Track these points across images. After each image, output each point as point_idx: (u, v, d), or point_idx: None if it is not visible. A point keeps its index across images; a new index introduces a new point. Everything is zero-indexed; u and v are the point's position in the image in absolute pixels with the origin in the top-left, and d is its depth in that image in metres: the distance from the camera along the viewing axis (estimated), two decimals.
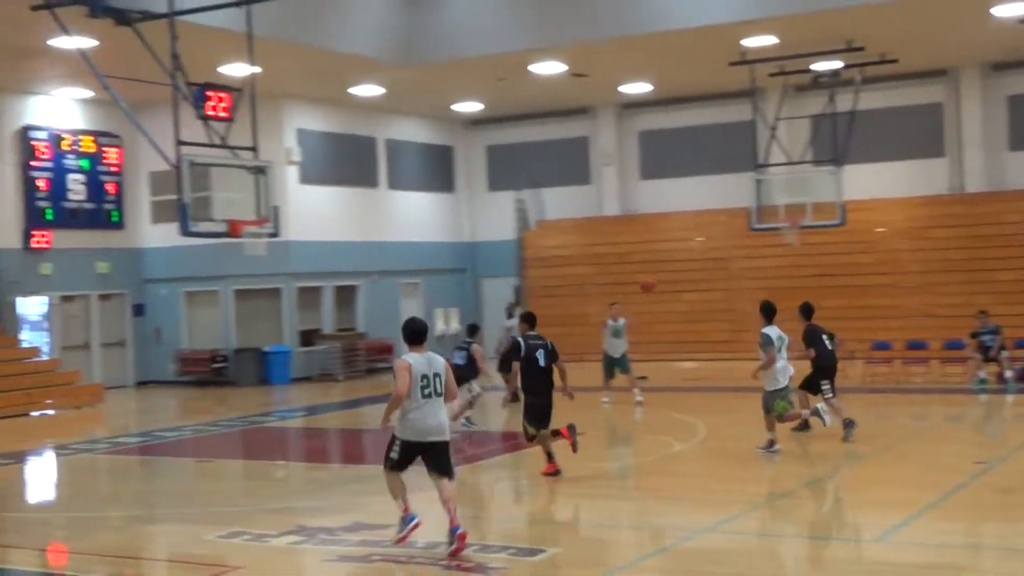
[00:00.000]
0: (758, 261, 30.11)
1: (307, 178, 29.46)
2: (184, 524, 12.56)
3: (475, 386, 18.10)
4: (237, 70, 22.27)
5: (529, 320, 14.46)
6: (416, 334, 10.55)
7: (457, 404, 15.14)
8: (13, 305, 27.07)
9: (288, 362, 29.05)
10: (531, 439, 14.16)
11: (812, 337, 16.36)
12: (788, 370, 15.35)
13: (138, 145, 27.20)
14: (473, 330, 18.93)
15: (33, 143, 27.22)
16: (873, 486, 12.97)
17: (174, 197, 17.07)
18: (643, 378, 22.56)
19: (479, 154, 35.17)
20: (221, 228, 17.32)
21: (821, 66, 26.21)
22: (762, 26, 23.28)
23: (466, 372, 17.77)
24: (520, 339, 14.08)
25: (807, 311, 16.59)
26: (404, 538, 10.47)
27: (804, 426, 16.39)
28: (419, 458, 10.57)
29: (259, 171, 17.74)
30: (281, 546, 10.96)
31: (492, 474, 14.99)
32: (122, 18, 18.53)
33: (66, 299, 28.37)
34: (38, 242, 27.26)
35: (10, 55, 22.97)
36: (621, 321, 21.50)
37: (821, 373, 16.39)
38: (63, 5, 18.23)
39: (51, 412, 24.10)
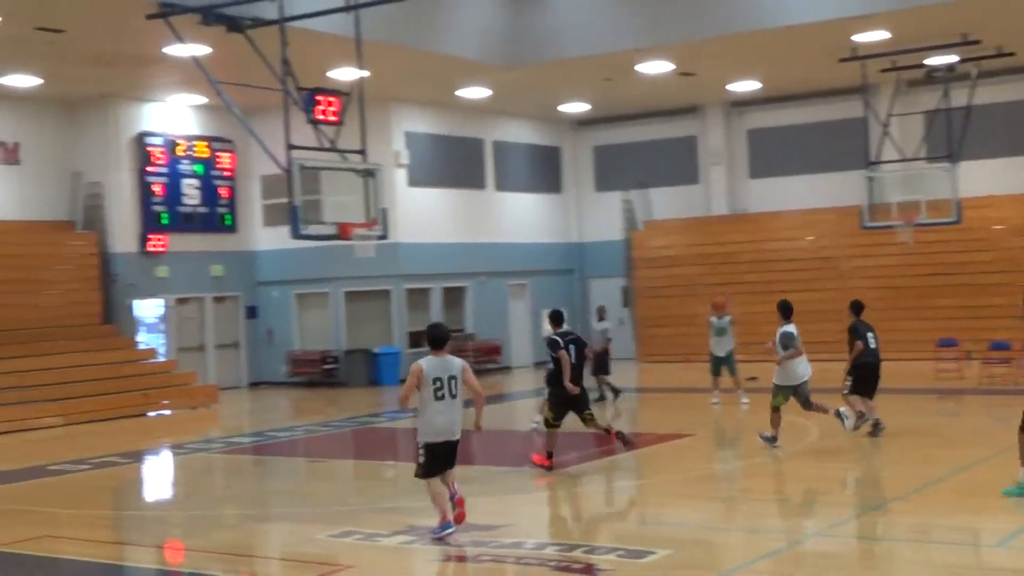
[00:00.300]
0: (870, 260, 29.61)
1: (415, 180, 29.67)
2: (296, 523, 12.72)
3: None
4: (346, 74, 22.52)
5: (556, 318, 15.40)
6: (436, 340, 11.18)
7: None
8: (130, 307, 27.73)
9: (398, 363, 29.24)
10: (548, 425, 14.88)
11: (858, 333, 16.38)
12: (806, 369, 15.60)
13: (250, 149, 27.69)
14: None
15: (149, 149, 27.83)
16: (991, 490, 12.65)
17: (285, 200, 17.33)
18: (753, 379, 22.29)
19: (586, 155, 35.09)
20: (331, 231, 17.53)
21: (935, 61, 25.67)
22: (874, 21, 22.87)
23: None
24: (555, 336, 14.95)
25: (857, 308, 16.70)
26: (440, 539, 10.88)
27: (875, 428, 16.24)
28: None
29: (368, 174, 17.87)
30: (391, 546, 11.04)
31: (597, 476, 14.94)
32: (234, 25, 18.90)
33: (181, 301, 28.95)
34: (154, 246, 27.87)
35: (127, 63, 23.51)
36: (726, 319, 21.22)
37: (857, 370, 16.33)
38: (177, 14, 18.62)
39: (167, 412, 24.61)
